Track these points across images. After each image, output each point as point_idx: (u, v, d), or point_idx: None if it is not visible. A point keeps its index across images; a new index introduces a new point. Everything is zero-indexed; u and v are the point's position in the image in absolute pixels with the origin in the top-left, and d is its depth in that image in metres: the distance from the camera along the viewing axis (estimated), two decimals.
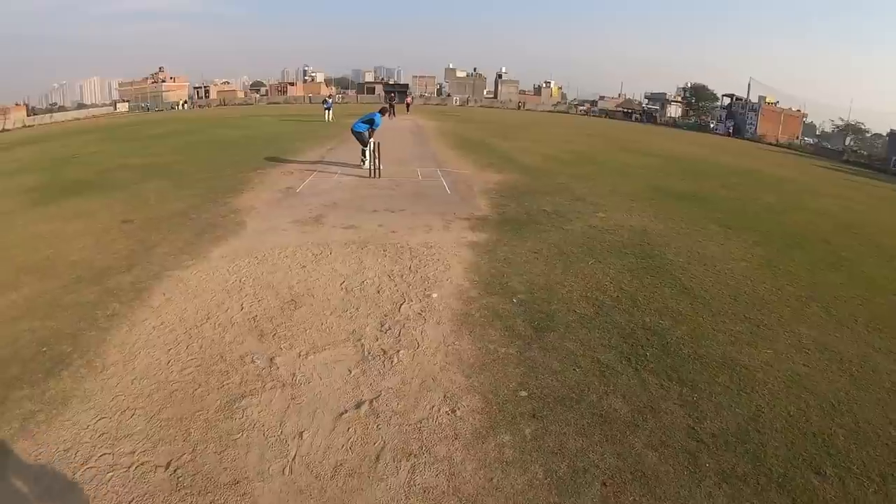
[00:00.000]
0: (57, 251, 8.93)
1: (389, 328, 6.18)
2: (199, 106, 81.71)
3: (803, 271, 9.18)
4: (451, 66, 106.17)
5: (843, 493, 3.98)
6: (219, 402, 4.79)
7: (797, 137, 61.66)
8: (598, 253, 9.33)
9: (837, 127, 78.22)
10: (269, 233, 9.86)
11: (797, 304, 7.67)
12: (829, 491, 3.99)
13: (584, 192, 14.97)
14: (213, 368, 5.31)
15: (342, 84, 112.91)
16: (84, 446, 4.19)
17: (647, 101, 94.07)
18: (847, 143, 61.69)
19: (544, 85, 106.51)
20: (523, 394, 5.01)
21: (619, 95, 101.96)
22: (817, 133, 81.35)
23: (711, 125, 70.82)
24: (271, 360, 5.46)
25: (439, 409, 4.74)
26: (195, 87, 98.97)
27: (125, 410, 4.65)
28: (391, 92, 61.24)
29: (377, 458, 4.14)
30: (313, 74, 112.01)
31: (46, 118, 62.48)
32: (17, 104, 75.43)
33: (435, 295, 7.07)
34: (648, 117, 79.48)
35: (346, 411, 4.68)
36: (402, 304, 6.79)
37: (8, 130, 49.39)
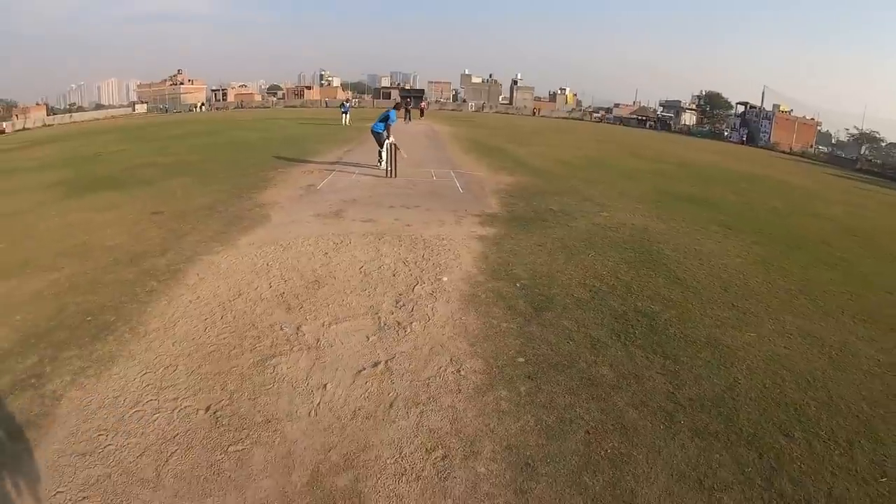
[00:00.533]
0: (92, 238, 9.57)
1: (403, 305, 6.81)
2: (217, 108, 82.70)
3: (797, 268, 9.63)
4: (466, 72, 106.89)
5: (809, 452, 4.46)
6: (252, 360, 5.43)
7: (811, 146, 61.54)
8: (599, 247, 9.90)
9: (852, 136, 77.76)
10: (292, 224, 10.50)
11: (786, 296, 8.13)
12: (796, 450, 4.48)
13: (592, 194, 15.50)
14: (246, 334, 5.95)
15: (358, 89, 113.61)
16: (131, 394, 4.81)
17: (661, 108, 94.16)
18: (862, 152, 61.36)
19: (559, 92, 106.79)
20: (521, 360, 5.63)
21: (634, 103, 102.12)
22: (832, 142, 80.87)
23: (725, 133, 70.79)
24: (298, 328, 6.10)
25: (446, 370, 5.37)
26: (213, 90, 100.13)
27: (168, 366, 5.28)
28: (407, 97, 61.90)
29: (391, 405, 4.77)
30: (330, 79, 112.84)
31: (66, 118, 63.32)
32: (37, 104, 76.84)
33: (445, 278, 7.71)
34: (663, 125, 79.51)
35: (364, 369, 5.32)
36: (415, 286, 7.41)
37: (28, 129, 50.10)
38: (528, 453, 4.23)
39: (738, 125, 69.51)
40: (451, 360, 5.56)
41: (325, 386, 5.02)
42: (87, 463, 3.93)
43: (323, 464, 4.02)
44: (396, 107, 18.17)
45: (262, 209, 11.77)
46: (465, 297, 7.17)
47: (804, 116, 66.51)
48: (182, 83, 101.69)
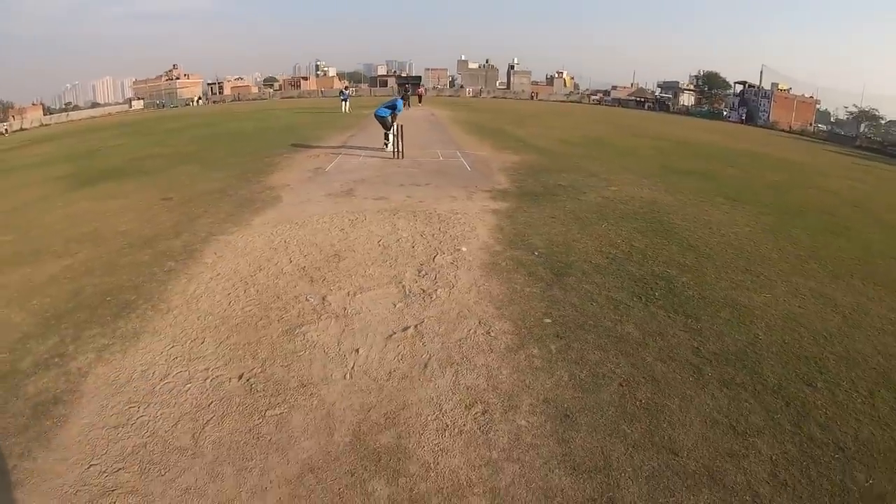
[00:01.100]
0: (103, 225, 9.63)
1: (426, 273, 6.90)
2: (214, 102, 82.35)
3: (804, 236, 9.70)
4: (463, 58, 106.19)
5: (832, 400, 4.58)
6: (280, 329, 5.50)
7: (810, 124, 61.28)
8: (611, 218, 9.98)
9: (851, 114, 77.41)
10: (305, 204, 10.57)
11: (796, 261, 8.22)
12: (820, 399, 4.60)
13: (597, 170, 15.55)
14: (272, 306, 6.02)
15: (354, 78, 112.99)
16: (160, 367, 4.88)
17: (659, 89, 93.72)
18: (861, 129, 61.13)
19: (556, 75, 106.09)
20: (548, 321, 5.72)
21: (632, 84, 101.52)
22: (832, 120, 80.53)
23: (724, 113, 70.41)
24: (323, 298, 6.18)
25: (475, 331, 5.46)
26: (209, 84, 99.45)
27: (195, 339, 5.36)
28: (404, 84, 61.60)
29: (425, 365, 4.86)
30: (325, 69, 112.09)
31: (62, 117, 63.09)
32: (32, 104, 76.57)
33: (464, 248, 7.79)
34: (661, 106, 79.24)
35: (395, 333, 5.41)
36: (435, 256, 7.50)
37: (25, 130, 49.99)
38: (565, 406, 4.32)
39: (736, 105, 69.10)
40: (479, 322, 5.65)
41: (357, 350, 5.10)
42: (120, 435, 3.98)
43: (364, 423, 4.10)
44: (403, 96, 18.30)
45: (272, 191, 11.82)
46: (485, 265, 7.26)
47: (803, 95, 66.15)
48: (178, 78, 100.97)
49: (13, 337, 5.48)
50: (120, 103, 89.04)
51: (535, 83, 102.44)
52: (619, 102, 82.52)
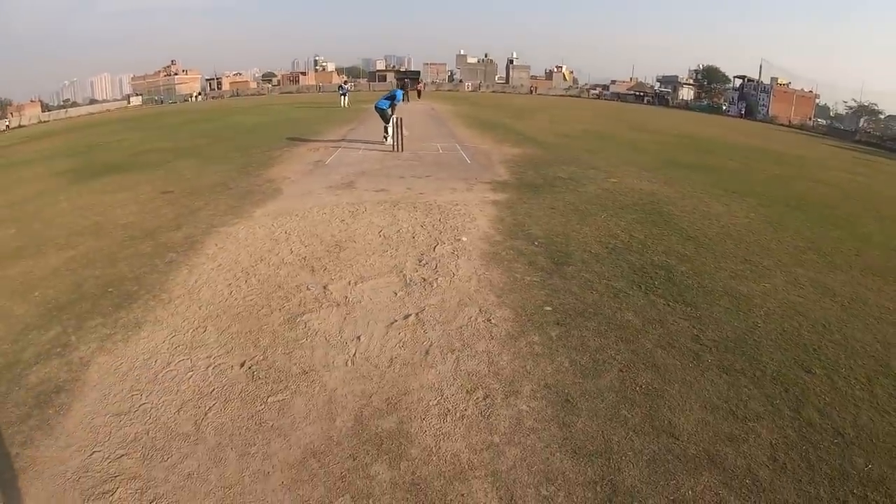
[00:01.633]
0: (104, 218, 9.62)
1: (427, 263, 6.92)
2: (213, 97, 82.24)
3: (804, 228, 9.73)
4: (461, 53, 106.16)
5: (831, 387, 4.60)
6: (282, 318, 5.52)
7: (809, 118, 61.26)
8: (611, 209, 10.01)
9: (851, 108, 77.36)
10: (305, 196, 10.58)
11: (795, 251, 8.25)
12: (818, 384, 4.62)
13: (597, 163, 15.57)
14: (273, 295, 6.04)
15: (353, 73, 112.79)
16: (162, 356, 4.89)
17: (658, 83, 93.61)
18: (861, 124, 61.08)
19: (556, 69, 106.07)
20: (548, 308, 5.75)
21: (631, 79, 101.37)
22: (831, 114, 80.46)
23: (724, 107, 70.41)
24: (324, 287, 6.20)
25: (476, 319, 5.48)
26: (207, 79, 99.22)
27: (196, 328, 5.37)
28: (403, 79, 61.43)
29: (426, 352, 4.88)
30: (324, 64, 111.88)
31: (61, 114, 62.82)
32: (31, 101, 76.42)
33: (465, 238, 7.82)
34: (660, 100, 79.14)
35: (396, 321, 5.43)
36: (436, 246, 7.51)
37: (24, 127, 50.06)
38: (566, 391, 4.35)
39: (736, 99, 69.06)
40: (480, 310, 5.67)
41: (358, 338, 5.12)
42: (122, 422, 3.99)
43: (366, 408, 4.12)
44: (402, 87, 18.33)
45: (272, 184, 11.83)
46: (485, 254, 7.29)
47: (802, 89, 66.14)
48: (176, 74, 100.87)
49: (16, 328, 5.49)
50: (118, 100, 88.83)
51: (534, 77, 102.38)
52: (619, 97, 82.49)
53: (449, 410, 4.08)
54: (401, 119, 16.76)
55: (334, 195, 10.58)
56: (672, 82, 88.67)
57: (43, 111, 65.16)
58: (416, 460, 3.59)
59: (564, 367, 4.66)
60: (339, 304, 5.77)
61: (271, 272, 6.66)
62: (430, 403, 4.17)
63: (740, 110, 64.17)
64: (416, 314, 5.55)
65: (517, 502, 3.29)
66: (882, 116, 74.62)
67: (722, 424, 4.01)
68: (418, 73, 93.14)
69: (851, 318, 6.02)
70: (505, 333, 5.20)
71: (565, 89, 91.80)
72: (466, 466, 3.54)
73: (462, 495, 3.32)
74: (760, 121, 58.31)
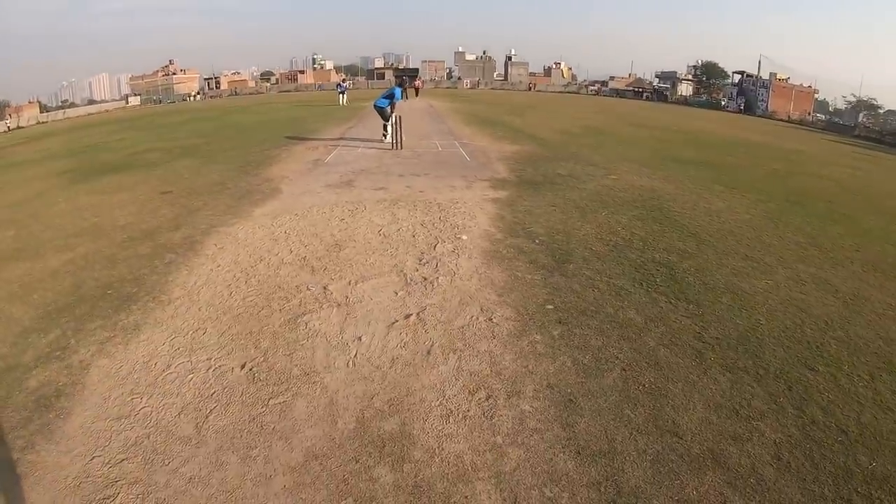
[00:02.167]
0: (103, 219, 9.58)
1: (427, 262, 6.89)
2: (211, 97, 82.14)
3: (805, 223, 9.71)
4: (460, 50, 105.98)
5: (834, 384, 4.59)
6: (282, 319, 5.49)
7: (809, 114, 61.25)
8: (611, 206, 9.99)
9: (850, 103, 77.38)
10: (304, 195, 10.56)
11: (797, 248, 8.22)
12: (822, 382, 4.60)
13: (596, 160, 15.57)
14: (273, 296, 6.01)
15: (351, 71, 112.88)
16: (162, 358, 4.86)
17: (657, 79, 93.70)
18: (860, 119, 61.08)
19: (554, 66, 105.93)
20: (549, 307, 5.73)
21: (630, 75, 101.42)
22: (830, 109, 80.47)
23: (723, 102, 70.44)
24: (325, 287, 6.17)
25: (477, 318, 5.46)
26: (206, 79, 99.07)
27: (196, 330, 5.33)
28: (401, 77, 61.26)
29: (428, 352, 4.86)
30: (323, 62, 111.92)
31: (59, 114, 62.73)
32: (29, 102, 76.33)
33: (465, 237, 7.79)
34: (659, 96, 79.26)
35: (397, 321, 5.41)
36: (436, 245, 7.49)
37: (22, 128, 50.15)
38: (569, 391, 4.33)
39: (735, 94, 69.11)
40: (481, 309, 5.64)
41: (359, 338, 5.09)
42: (123, 426, 3.96)
43: (367, 410, 4.10)
44: (400, 84, 18.36)
45: (271, 183, 11.80)
46: (486, 253, 7.27)
47: (801, 84, 66.14)
48: (174, 73, 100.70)
49: (15, 331, 5.46)
50: (116, 100, 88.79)
51: (532, 74, 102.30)
52: (617, 93, 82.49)
53: (451, 411, 4.06)
54: (400, 117, 16.73)
55: (334, 194, 10.56)
56: (671, 78, 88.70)
57: (41, 112, 65.01)
58: (419, 462, 3.56)
59: (567, 367, 4.64)
60: (339, 305, 5.74)
61: (271, 272, 6.64)
62: (433, 404, 4.14)
63: (739, 106, 64.23)
64: (417, 314, 5.53)
65: None
66: (881, 111, 74.60)
67: (725, 423, 3.99)
68: (417, 70, 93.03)
69: (853, 314, 6.00)
70: (507, 333, 5.18)
71: (564, 86, 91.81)
72: (469, 468, 3.52)
73: (466, 497, 3.30)
74: (759, 116, 58.30)
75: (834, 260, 7.78)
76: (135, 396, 4.31)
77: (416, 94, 48.46)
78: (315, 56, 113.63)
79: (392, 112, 16.96)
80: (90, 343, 5.14)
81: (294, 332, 5.22)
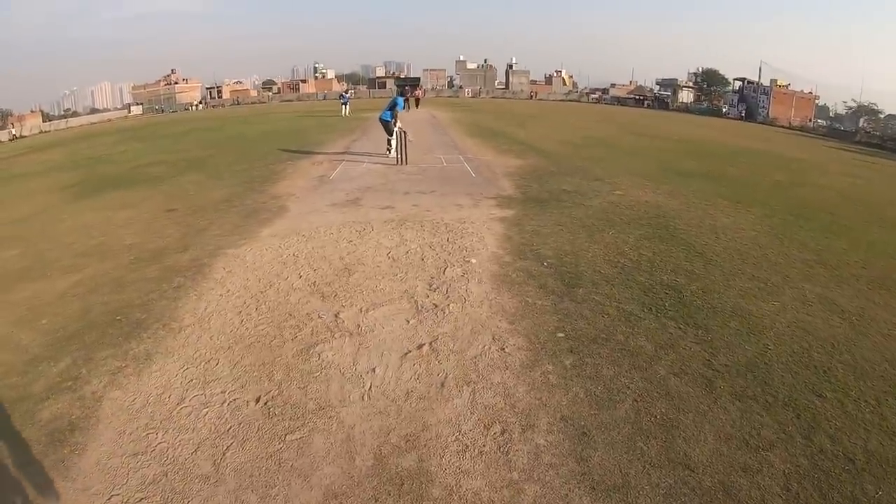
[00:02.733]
0: (109, 237, 9.66)
1: (437, 287, 6.92)
2: (213, 106, 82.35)
3: (810, 239, 9.71)
4: (461, 58, 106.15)
5: (841, 411, 4.61)
6: (295, 349, 5.51)
7: (810, 120, 61.26)
8: (618, 225, 10.02)
9: (850, 109, 77.42)
10: (311, 214, 10.61)
11: (803, 265, 8.24)
12: (830, 409, 4.63)
13: (600, 173, 15.61)
14: (285, 324, 6.03)
15: (353, 80, 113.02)
16: (176, 391, 4.85)
17: (658, 87, 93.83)
18: (861, 124, 61.06)
19: (555, 74, 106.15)
20: (560, 335, 5.76)
21: (631, 82, 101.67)
22: (831, 115, 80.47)
23: (724, 109, 70.48)
24: (336, 315, 6.20)
25: (490, 348, 5.49)
26: (208, 88, 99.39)
27: (209, 361, 5.34)
28: (403, 85, 61.20)
29: (442, 385, 4.89)
30: (324, 71, 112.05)
31: (62, 124, 63.07)
32: (31, 111, 76.56)
33: (474, 260, 7.81)
34: (660, 103, 79.29)
35: (410, 351, 5.43)
36: (445, 269, 7.51)
37: (24, 137, 50.44)
38: (582, 423, 4.36)
39: (736, 101, 69.19)
40: (493, 338, 5.67)
41: (373, 370, 5.12)
42: (140, 463, 3.95)
43: (384, 446, 4.12)
44: (402, 93, 18.51)
45: (277, 201, 11.87)
46: (496, 277, 7.30)
47: (802, 90, 66.22)
48: (176, 83, 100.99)
49: (24, 358, 5.46)
50: (119, 109, 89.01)
51: (533, 82, 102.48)
52: (619, 101, 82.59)
53: (467, 446, 4.09)
54: (405, 132, 16.77)
55: (340, 213, 10.60)
56: (671, 85, 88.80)
57: (44, 121, 65.25)
58: (438, 500, 3.59)
59: (580, 398, 4.68)
60: (351, 334, 5.77)
61: (281, 299, 6.66)
62: (449, 440, 4.17)
63: (740, 112, 64.26)
64: (430, 343, 5.56)
65: None
66: (881, 116, 74.60)
67: (736, 454, 4.02)
68: (418, 79, 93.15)
69: (860, 336, 6.02)
70: (519, 363, 5.20)
71: (565, 94, 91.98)
72: None
73: None
74: (760, 123, 58.38)
75: (839, 278, 7.79)
76: (150, 431, 4.30)
77: (417, 105, 46.99)
78: (317, 65, 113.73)
79: (396, 122, 16.99)
80: (102, 373, 5.12)
81: (307, 364, 5.24)
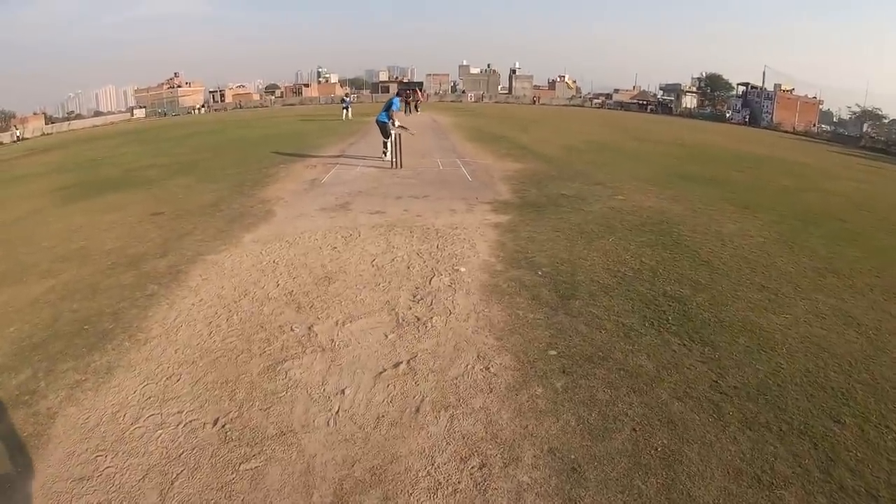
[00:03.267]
0: (92, 241, 9.33)
1: (422, 298, 6.46)
2: (216, 110, 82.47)
3: (820, 246, 9.27)
4: (464, 63, 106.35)
5: (862, 439, 4.14)
6: (261, 365, 5.07)
7: (814, 125, 61.06)
8: (619, 231, 9.54)
9: (854, 113, 77.16)
10: (298, 219, 10.21)
11: (814, 275, 7.78)
12: (849, 437, 4.15)
13: (602, 178, 15.15)
14: (254, 337, 5.60)
15: (356, 84, 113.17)
16: (132, 409, 4.47)
17: (661, 92, 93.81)
18: (865, 129, 60.80)
19: (558, 79, 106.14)
20: (552, 353, 5.27)
21: (634, 87, 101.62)
22: (834, 120, 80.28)
23: (727, 114, 70.37)
24: (310, 328, 5.75)
25: (473, 367, 5.00)
26: (210, 92, 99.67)
27: (170, 376, 4.94)
28: (406, 90, 61.12)
29: (417, 409, 4.41)
30: (327, 76, 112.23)
31: (64, 126, 63.40)
32: (34, 113, 76.81)
33: (463, 269, 7.35)
34: (664, 108, 79.22)
35: (385, 370, 4.96)
36: (432, 278, 7.05)
37: (27, 139, 50.82)
38: (572, 457, 3.86)
39: (739, 106, 69.05)
40: (478, 356, 5.19)
41: (343, 391, 4.66)
42: (84, 489, 3.62)
43: (346, 480, 3.66)
44: (398, 94, 18.44)
45: (265, 205, 11.49)
46: (485, 287, 6.82)
47: (806, 95, 66.02)
48: (180, 86, 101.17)
49: None
50: (122, 112, 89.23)
51: (536, 87, 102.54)
52: (622, 106, 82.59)
53: (440, 483, 3.62)
54: (400, 135, 16.45)
55: (328, 218, 10.20)
56: (675, 90, 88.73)
57: (47, 123, 65.57)
58: None
59: (571, 427, 4.19)
60: (324, 349, 5.32)
61: (255, 309, 6.24)
62: (420, 474, 3.70)
63: (744, 118, 64.16)
64: (408, 361, 5.08)
65: None
66: (885, 121, 74.37)
67: (747, 493, 3.54)
68: (421, 83, 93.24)
69: (877, 351, 5.56)
70: (505, 385, 4.72)
71: (568, 99, 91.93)
72: None
73: None
74: (764, 128, 58.21)
75: (853, 288, 7.34)
76: (99, 454, 3.94)
77: (416, 109, 45.68)
78: (320, 69, 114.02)
79: (393, 123, 16.74)
80: (60, 387, 4.79)
81: (273, 383, 4.80)
